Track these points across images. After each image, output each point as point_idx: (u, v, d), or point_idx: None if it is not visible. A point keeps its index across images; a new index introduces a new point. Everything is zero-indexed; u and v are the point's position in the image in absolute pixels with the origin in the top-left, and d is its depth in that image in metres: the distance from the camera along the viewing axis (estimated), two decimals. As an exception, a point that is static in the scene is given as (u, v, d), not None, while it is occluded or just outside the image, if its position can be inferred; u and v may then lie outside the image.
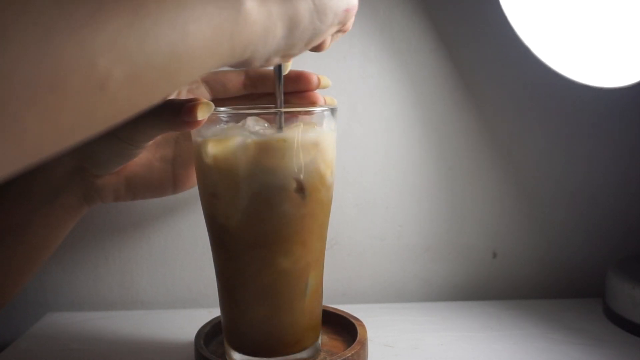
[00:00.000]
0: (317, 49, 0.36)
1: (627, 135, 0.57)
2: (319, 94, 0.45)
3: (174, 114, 0.36)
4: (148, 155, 0.44)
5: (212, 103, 0.37)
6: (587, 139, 0.57)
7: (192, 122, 0.36)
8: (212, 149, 0.39)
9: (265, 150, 0.37)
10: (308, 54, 0.55)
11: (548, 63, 0.46)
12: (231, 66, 0.29)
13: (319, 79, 0.44)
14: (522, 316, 0.53)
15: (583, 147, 0.57)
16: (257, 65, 0.31)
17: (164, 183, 0.45)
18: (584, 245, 0.59)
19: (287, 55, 0.32)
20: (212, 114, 0.39)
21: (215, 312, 0.53)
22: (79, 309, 0.58)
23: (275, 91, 0.39)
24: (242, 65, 0.30)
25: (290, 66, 0.41)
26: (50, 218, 0.41)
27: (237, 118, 0.39)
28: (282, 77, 0.39)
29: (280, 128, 0.38)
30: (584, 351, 0.46)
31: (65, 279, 0.58)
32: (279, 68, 0.39)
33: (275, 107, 0.39)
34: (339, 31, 0.36)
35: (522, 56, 0.47)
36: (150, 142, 0.41)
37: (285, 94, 0.44)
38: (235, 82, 0.45)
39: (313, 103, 0.44)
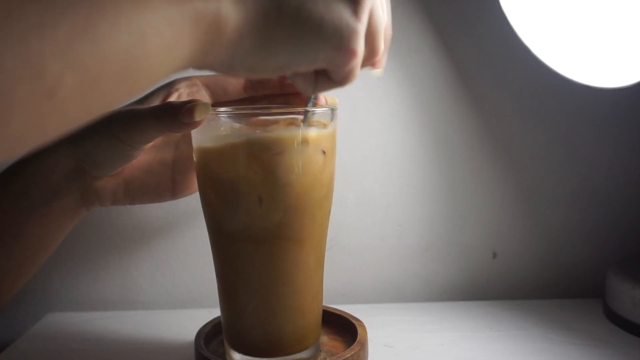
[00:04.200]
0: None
1: (627, 135, 0.57)
2: (320, 94, 0.45)
3: (173, 115, 0.37)
4: (148, 158, 0.44)
5: (209, 104, 0.38)
6: (587, 139, 0.57)
7: (191, 123, 0.37)
8: (212, 151, 0.39)
9: (264, 151, 0.37)
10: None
11: (548, 63, 0.46)
12: (193, 68, 0.29)
13: None
14: (522, 316, 0.53)
15: (583, 147, 0.57)
16: (218, 71, 0.30)
17: (163, 188, 0.45)
18: (584, 246, 0.59)
19: (254, 71, 0.30)
20: (212, 114, 0.39)
21: (215, 312, 0.53)
22: (79, 309, 0.58)
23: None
24: (203, 68, 0.29)
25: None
26: (48, 219, 0.41)
27: (238, 119, 0.39)
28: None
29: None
30: (584, 351, 0.45)
31: (65, 279, 0.58)
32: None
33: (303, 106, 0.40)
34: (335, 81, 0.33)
35: (522, 56, 0.47)
36: (150, 144, 0.41)
37: (287, 95, 0.44)
38: (235, 85, 0.45)
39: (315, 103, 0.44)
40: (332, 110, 0.40)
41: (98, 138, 0.39)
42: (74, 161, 0.40)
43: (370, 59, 0.33)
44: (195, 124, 0.37)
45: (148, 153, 0.43)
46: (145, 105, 0.42)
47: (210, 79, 0.45)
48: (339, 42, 0.29)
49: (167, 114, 0.37)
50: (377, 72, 0.36)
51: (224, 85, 0.45)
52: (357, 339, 0.43)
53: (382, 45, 0.33)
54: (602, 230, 0.59)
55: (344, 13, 0.29)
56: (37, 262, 0.43)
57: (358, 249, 0.58)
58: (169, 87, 0.43)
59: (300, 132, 0.38)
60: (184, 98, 0.44)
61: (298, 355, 0.41)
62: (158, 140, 0.43)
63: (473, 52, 0.56)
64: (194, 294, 0.58)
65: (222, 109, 0.40)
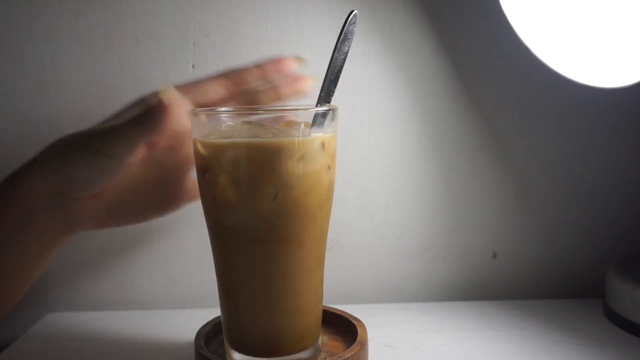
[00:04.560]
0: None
1: (627, 135, 0.57)
2: (302, 74, 0.45)
3: (147, 113, 0.36)
4: (130, 179, 0.42)
5: (171, 86, 0.37)
6: (587, 138, 0.57)
7: (165, 111, 0.36)
8: (213, 150, 0.39)
9: (266, 151, 0.37)
10: (309, 53, 0.55)
11: (548, 63, 0.46)
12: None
13: (294, 59, 0.44)
14: (522, 316, 0.53)
15: (583, 147, 0.57)
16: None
17: (149, 206, 0.44)
18: (583, 245, 0.59)
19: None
20: (213, 114, 0.39)
21: (216, 312, 0.53)
22: (79, 309, 0.58)
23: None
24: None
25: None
26: (26, 246, 0.40)
27: (238, 118, 0.39)
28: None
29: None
30: (584, 351, 0.46)
31: (65, 279, 0.58)
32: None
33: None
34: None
35: (522, 56, 0.47)
36: (132, 157, 0.39)
37: (276, 87, 0.44)
38: (216, 87, 0.44)
39: (299, 85, 0.44)
40: (333, 110, 0.40)
41: (77, 156, 0.38)
42: (51, 184, 0.39)
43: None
44: (168, 111, 0.36)
45: (130, 173, 0.42)
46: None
47: (188, 86, 0.44)
48: None
49: (142, 115, 0.37)
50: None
51: (204, 89, 0.43)
52: (357, 339, 0.43)
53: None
54: (601, 230, 0.59)
55: None
56: (17, 293, 0.42)
57: (358, 249, 0.58)
58: (145, 99, 0.42)
59: (301, 133, 0.38)
60: None
61: (298, 355, 0.41)
62: (140, 157, 0.42)
63: (473, 52, 0.56)
64: (193, 293, 0.58)
65: (223, 109, 0.40)
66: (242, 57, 0.55)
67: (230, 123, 0.39)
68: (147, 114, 0.37)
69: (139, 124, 0.37)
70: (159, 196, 0.44)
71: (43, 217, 0.40)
